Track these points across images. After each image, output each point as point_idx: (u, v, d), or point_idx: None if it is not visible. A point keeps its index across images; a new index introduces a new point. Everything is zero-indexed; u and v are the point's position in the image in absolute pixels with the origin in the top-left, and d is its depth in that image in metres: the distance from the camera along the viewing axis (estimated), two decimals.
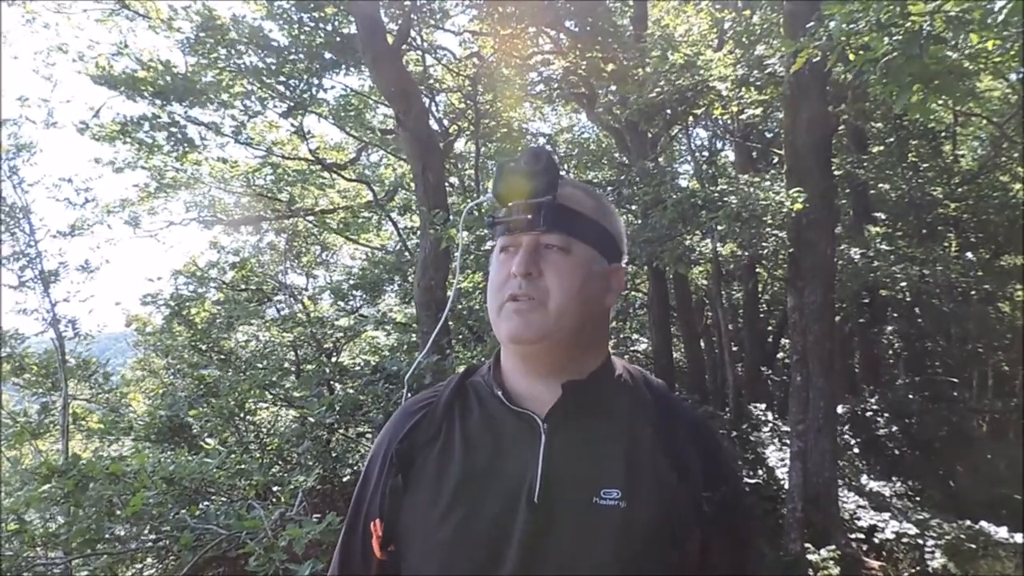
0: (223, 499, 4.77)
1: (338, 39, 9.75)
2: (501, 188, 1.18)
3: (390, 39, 8.18)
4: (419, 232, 9.22)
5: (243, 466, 5.05)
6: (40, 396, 9.81)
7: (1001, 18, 3.54)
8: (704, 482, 1.12)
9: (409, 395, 1.38)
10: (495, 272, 1.19)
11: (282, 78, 10.05)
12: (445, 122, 11.60)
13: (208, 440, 6.95)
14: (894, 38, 3.55)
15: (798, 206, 6.57)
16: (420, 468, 1.16)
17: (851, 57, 4.37)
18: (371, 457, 1.26)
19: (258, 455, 6.49)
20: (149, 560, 4.91)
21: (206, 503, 4.55)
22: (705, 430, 1.24)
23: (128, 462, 4.45)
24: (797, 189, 6.71)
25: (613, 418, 1.16)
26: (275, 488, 5.38)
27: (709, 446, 1.19)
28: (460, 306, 8.57)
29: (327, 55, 9.94)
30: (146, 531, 4.31)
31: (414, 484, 1.15)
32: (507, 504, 1.08)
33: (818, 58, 5.17)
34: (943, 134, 12.68)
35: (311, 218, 13.36)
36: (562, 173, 1.21)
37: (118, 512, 4.11)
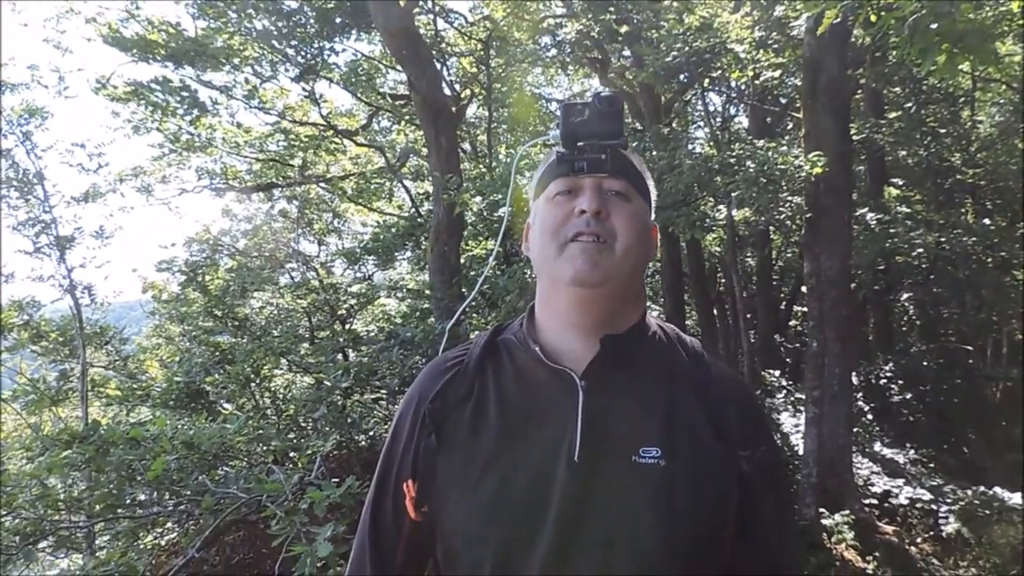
0: (242, 464, 4.81)
1: (349, 2, 9.62)
2: (572, 127, 1.15)
3: (401, 2, 8.06)
4: (431, 198, 9.18)
5: (261, 431, 5.10)
6: (58, 363, 9.89)
7: None
8: (742, 441, 1.11)
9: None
10: (551, 214, 1.17)
11: (293, 42, 9.95)
12: (457, 87, 11.48)
13: (225, 406, 7.02)
14: None
15: (818, 170, 6.49)
16: (453, 427, 1.15)
17: (873, 19, 4.27)
18: (399, 417, 1.24)
19: (275, 421, 6.54)
20: (170, 524, 4.98)
21: (226, 468, 4.59)
22: (741, 389, 1.23)
23: (148, 428, 4.49)
24: (816, 153, 6.63)
25: (650, 375, 1.14)
26: (292, 453, 5.43)
27: (745, 405, 1.18)
28: (473, 272, 8.56)
29: (338, 19, 9.83)
30: (167, 496, 4.36)
31: (448, 443, 1.14)
32: (546, 463, 1.06)
33: (839, 20, 5.07)
34: (962, 99, 12.48)
35: (323, 185, 13.31)
36: None
37: (139, 477, 4.16)
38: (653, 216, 1.26)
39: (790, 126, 12.05)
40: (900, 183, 12.09)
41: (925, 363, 11.37)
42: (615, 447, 1.06)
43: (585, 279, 1.10)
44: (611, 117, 1.14)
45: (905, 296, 12.72)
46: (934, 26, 3.45)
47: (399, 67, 9.42)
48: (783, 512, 1.21)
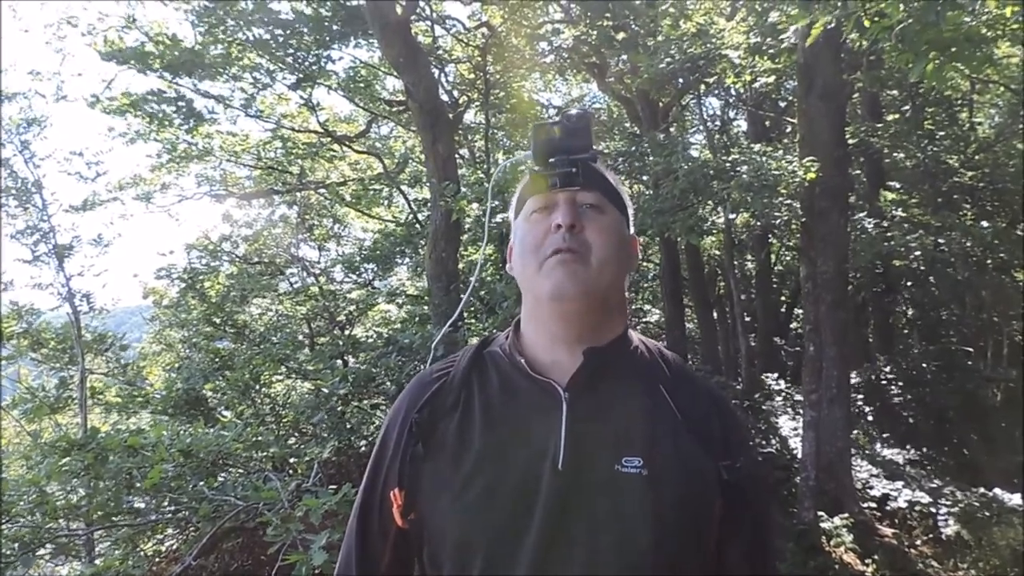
0: (240, 471, 4.83)
1: (346, 9, 9.65)
2: (543, 145, 1.20)
3: (399, 9, 8.08)
4: (429, 204, 9.20)
5: (259, 438, 5.11)
6: (58, 371, 9.91)
7: None
8: (723, 451, 1.13)
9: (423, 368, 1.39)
10: (528, 232, 1.20)
11: (290, 50, 9.97)
12: (455, 93, 11.50)
13: (224, 413, 7.03)
14: (910, 4, 3.49)
15: (811, 175, 6.52)
16: (440, 437, 1.16)
17: (866, 24, 4.29)
18: (386, 427, 1.26)
19: (274, 427, 6.55)
20: (169, 531, 4.99)
21: (223, 475, 4.61)
22: (721, 401, 1.25)
23: (146, 435, 4.50)
24: (810, 158, 6.66)
25: (633, 387, 1.16)
26: (291, 460, 5.44)
27: (726, 417, 1.20)
28: (472, 278, 8.57)
29: (335, 26, 9.85)
30: (165, 503, 4.37)
31: (434, 453, 1.15)
32: (531, 472, 1.08)
33: (832, 25, 5.09)
34: (959, 102, 12.48)
35: (322, 191, 13.33)
36: None
37: (137, 484, 4.17)
38: (632, 229, 1.28)
39: (788, 129, 12.07)
40: (897, 186, 12.08)
41: (925, 364, 11.37)
42: (598, 456, 1.08)
43: (563, 293, 1.12)
44: (579, 133, 1.18)
45: (904, 298, 12.73)
46: (921, 33, 3.47)
47: (397, 74, 9.43)
48: (764, 520, 1.23)
